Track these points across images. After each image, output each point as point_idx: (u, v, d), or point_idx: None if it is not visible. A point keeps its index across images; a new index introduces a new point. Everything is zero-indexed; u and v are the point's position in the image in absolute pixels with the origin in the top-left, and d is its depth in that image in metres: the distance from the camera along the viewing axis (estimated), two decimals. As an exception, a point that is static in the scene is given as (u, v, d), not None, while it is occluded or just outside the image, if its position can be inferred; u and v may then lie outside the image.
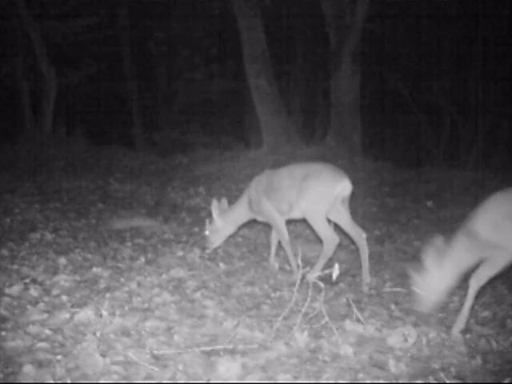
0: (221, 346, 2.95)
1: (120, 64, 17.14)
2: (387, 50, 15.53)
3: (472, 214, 3.47)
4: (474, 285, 3.41)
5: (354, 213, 6.13)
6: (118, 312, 3.33)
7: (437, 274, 3.56)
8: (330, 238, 4.21)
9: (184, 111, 16.99)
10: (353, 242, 4.55)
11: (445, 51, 15.33)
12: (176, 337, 3.06)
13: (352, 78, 10.44)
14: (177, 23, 16.18)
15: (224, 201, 5.04)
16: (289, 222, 4.90)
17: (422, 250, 3.68)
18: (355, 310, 3.42)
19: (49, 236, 5.17)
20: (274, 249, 4.88)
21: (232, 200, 5.16)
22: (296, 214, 4.45)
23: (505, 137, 15.21)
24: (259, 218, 4.82)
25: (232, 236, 5.37)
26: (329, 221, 4.36)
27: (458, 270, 3.54)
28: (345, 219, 4.34)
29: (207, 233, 4.94)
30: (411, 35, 15.13)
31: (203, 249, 5.01)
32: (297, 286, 3.32)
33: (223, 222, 4.88)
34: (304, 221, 4.58)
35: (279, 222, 4.55)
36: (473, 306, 3.51)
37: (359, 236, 4.31)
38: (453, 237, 3.54)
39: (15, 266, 4.14)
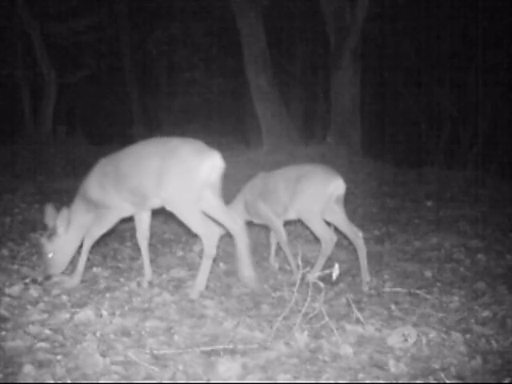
0: (221, 346, 2.94)
1: (120, 64, 17.15)
2: (387, 49, 15.54)
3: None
4: (88, 240, 3.86)
5: (354, 213, 6.11)
6: (117, 312, 3.33)
7: (65, 238, 3.89)
8: (328, 237, 4.24)
9: (184, 111, 16.99)
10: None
11: (445, 52, 15.33)
12: (176, 337, 3.06)
13: (352, 78, 10.45)
14: (177, 23, 16.19)
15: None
16: (289, 223, 4.91)
17: None
18: (355, 309, 3.42)
19: (49, 236, 5.16)
20: (273, 249, 4.89)
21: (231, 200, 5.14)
22: (292, 216, 4.49)
23: (504, 137, 15.23)
24: (255, 220, 4.82)
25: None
26: (328, 224, 4.37)
27: (81, 230, 3.93)
28: (340, 219, 4.36)
29: None
30: (411, 35, 15.14)
31: None
32: (297, 286, 3.32)
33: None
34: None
35: (277, 224, 4.58)
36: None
37: (355, 235, 4.32)
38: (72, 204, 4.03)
39: (15, 266, 4.14)
